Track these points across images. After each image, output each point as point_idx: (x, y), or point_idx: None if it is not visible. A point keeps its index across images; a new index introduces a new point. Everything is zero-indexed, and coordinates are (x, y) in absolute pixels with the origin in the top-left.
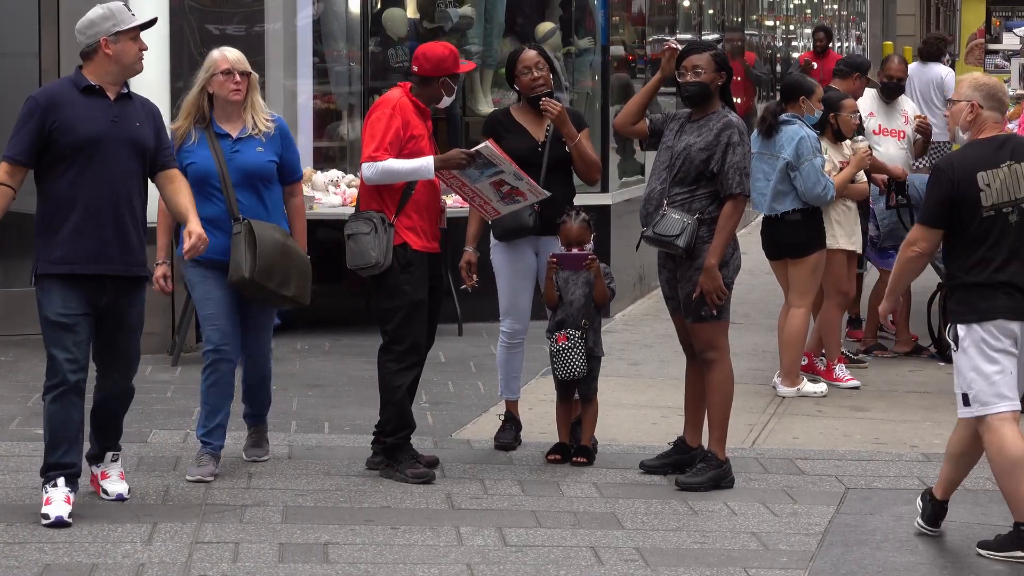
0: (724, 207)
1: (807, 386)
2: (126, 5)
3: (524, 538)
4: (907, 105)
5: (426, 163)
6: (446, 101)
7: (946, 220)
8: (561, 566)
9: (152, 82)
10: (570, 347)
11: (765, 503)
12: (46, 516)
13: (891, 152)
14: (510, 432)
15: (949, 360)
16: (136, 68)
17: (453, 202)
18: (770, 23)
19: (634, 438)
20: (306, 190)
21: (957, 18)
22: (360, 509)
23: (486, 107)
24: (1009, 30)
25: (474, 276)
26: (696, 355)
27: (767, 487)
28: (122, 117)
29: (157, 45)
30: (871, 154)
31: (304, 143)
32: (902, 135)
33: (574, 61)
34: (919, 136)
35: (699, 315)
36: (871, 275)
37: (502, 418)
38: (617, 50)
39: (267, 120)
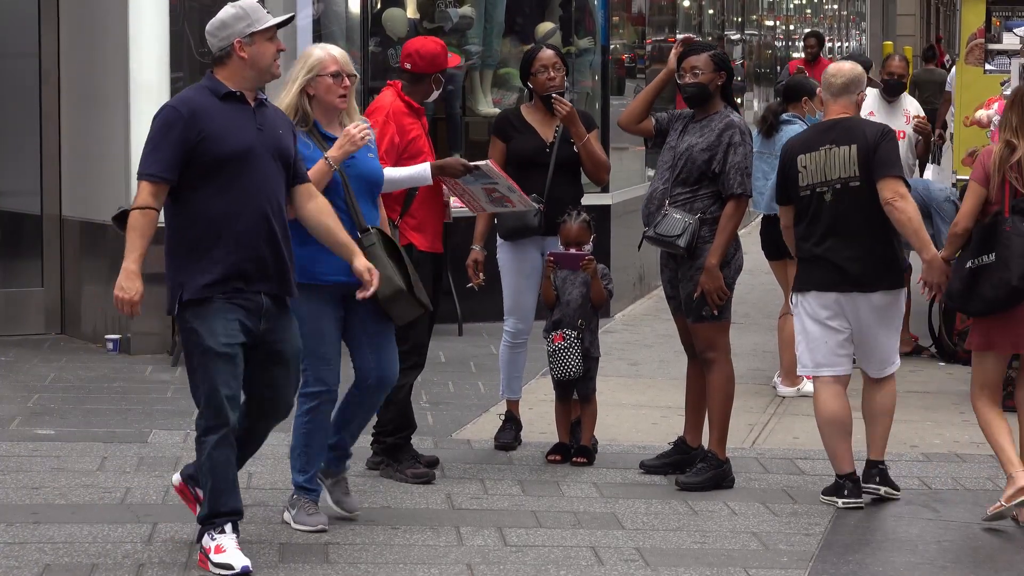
0: (726, 207)
1: (807, 386)
2: (261, 1)
3: (524, 538)
4: (909, 104)
5: (423, 170)
6: (435, 95)
7: (784, 197)
8: (561, 566)
9: (151, 82)
10: (566, 347)
11: (765, 503)
12: (227, 567)
13: None
14: (510, 432)
15: (950, 360)
16: (273, 72)
17: (455, 201)
18: (770, 23)
19: (634, 438)
20: None
21: (957, 18)
22: (360, 509)
23: (486, 107)
24: (1009, 30)
25: (481, 275)
26: (697, 355)
27: (767, 487)
28: (265, 125)
29: (156, 45)
30: None
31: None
32: (903, 135)
33: (574, 61)
34: (919, 137)
35: (700, 315)
36: None
37: (502, 418)
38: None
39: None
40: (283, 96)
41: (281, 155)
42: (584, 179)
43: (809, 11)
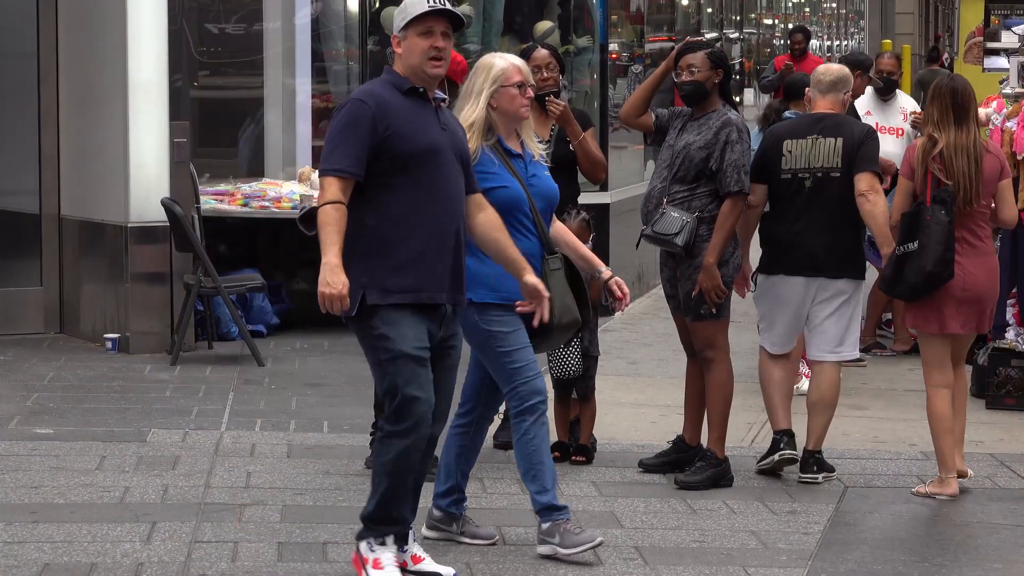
0: (723, 205)
1: (806, 384)
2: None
3: (523, 537)
4: (905, 102)
5: None
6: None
7: (758, 176)
8: (560, 565)
9: (150, 81)
10: (565, 346)
11: (764, 502)
12: None
13: (888, 149)
14: (509, 431)
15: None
16: (428, 71)
17: None
18: (768, 21)
19: (633, 437)
20: (305, 189)
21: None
22: (359, 508)
23: None
24: (1008, 28)
25: None
26: (696, 354)
27: (766, 486)
28: (448, 125)
29: (156, 44)
30: None
31: (302, 142)
32: (900, 132)
33: (572, 60)
34: (918, 132)
35: (698, 313)
36: (870, 274)
37: (501, 418)
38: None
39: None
40: (468, 109)
41: (462, 157)
42: (581, 178)
43: (808, 9)
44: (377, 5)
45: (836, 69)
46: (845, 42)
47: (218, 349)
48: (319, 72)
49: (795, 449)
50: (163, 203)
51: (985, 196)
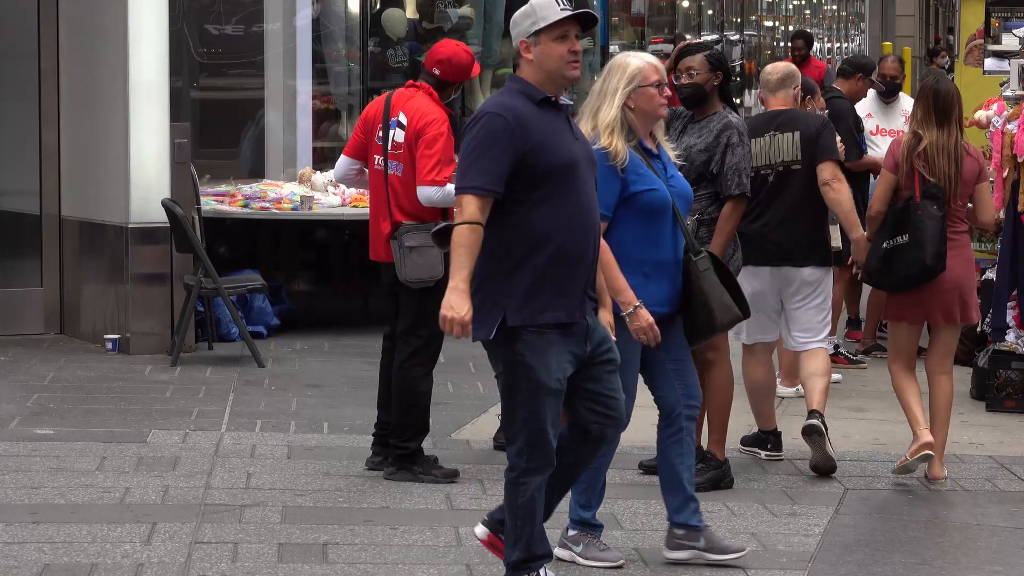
0: (724, 208)
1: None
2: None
3: None
4: (907, 104)
5: None
6: (450, 99)
7: None
8: (560, 566)
9: (151, 82)
10: None
11: (764, 504)
12: None
13: None
14: None
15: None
16: (567, 75)
17: None
18: (769, 23)
19: (633, 438)
20: (305, 190)
21: (956, 19)
22: (359, 509)
23: None
24: (1008, 31)
25: None
26: (696, 356)
27: (766, 488)
28: (579, 135)
29: (157, 45)
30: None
31: (303, 143)
32: (901, 134)
33: None
34: None
35: None
36: None
37: (501, 418)
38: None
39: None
40: (604, 110)
41: (593, 167)
42: None
43: (808, 12)
44: (378, 6)
45: (782, 67)
46: (845, 44)
47: (218, 350)
48: (320, 73)
49: (781, 450)
50: (164, 204)
51: (963, 197)
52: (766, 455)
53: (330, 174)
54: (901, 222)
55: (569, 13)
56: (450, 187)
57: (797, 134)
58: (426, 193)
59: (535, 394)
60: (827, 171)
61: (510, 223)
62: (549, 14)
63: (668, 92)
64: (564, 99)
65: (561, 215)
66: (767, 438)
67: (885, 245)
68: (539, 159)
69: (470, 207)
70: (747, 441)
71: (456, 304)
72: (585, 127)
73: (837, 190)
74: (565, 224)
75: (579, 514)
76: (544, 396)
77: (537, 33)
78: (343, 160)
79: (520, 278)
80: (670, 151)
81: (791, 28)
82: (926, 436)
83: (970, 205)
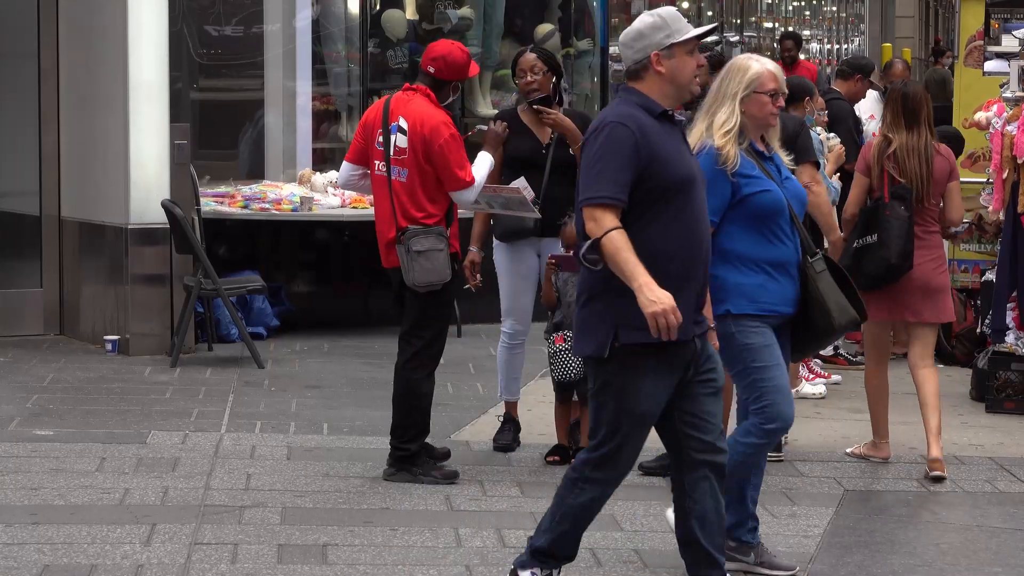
0: None
1: (805, 387)
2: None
3: (523, 539)
4: None
5: (486, 157)
6: (450, 100)
7: None
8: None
9: (150, 83)
10: (567, 349)
11: (764, 505)
12: None
13: None
14: (509, 433)
15: (948, 362)
16: (693, 89)
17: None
18: (769, 25)
19: None
20: (305, 191)
21: (956, 20)
22: (359, 510)
23: (485, 109)
24: (1008, 32)
25: (478, 276)
26: None
27: (766, 489)
28: (692, 151)
29: (156, 46)
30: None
31: (302, 144)
32: None
33: (573, 63)
34: None
35: None
36: None
37: (501, 419)
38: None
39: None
40: (721, 112)
41: (704, 183)
42: None
43: (808, 13)
44: (378, 7)
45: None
46: (845, 46)
47: (218, 351)
48: (319, 74)
49: (780, 451)
50: (163, 205)
51: (935, 196)
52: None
53: (330, 175)
54: (870, 222)
55: (706, 27)
56: (479, 179)
57: None
58: (464, 196)
59: (625, 415)
60: (806, 174)
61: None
62: (683, 27)
63: (781, 102)
64: (679, 115)
65: (676, 232)
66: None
67: (855, 244)
68: (659, 173)
69: (607, 216)
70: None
71: (657, 296)
72: (699, 126)
73: (816, 193)
74: (680, 241)
75: (734, 533)
76: (635, 419)
77: (671, 46)
78: (345, 166)
79: (632, 295)
80: (783, 156)
81: (790, 29)
82: (885, 451)
83: (941, 205)
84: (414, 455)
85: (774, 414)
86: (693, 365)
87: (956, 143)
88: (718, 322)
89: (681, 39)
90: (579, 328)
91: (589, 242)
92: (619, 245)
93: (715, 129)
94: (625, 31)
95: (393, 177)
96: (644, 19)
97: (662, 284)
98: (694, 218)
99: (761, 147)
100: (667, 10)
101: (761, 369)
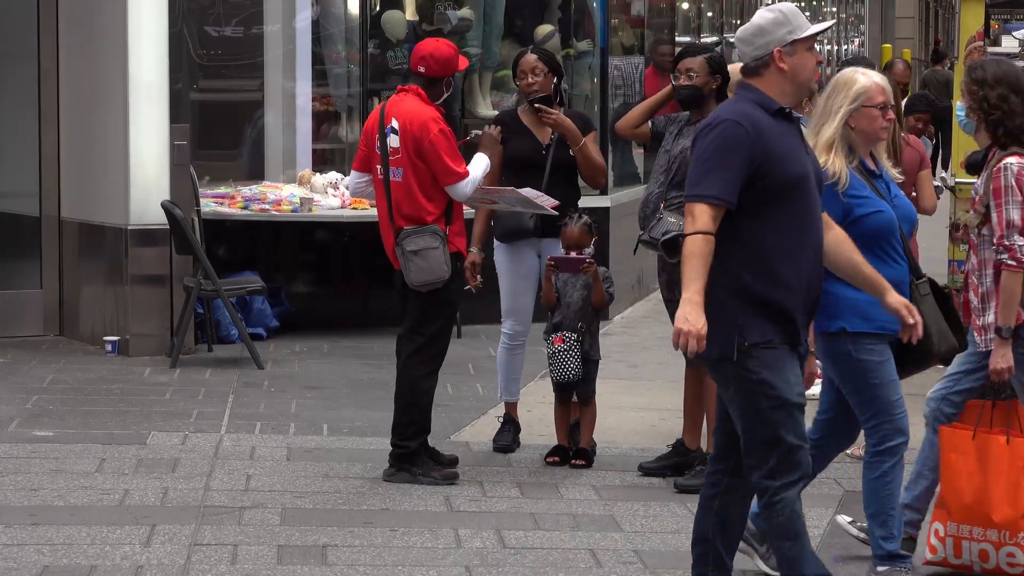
0: None
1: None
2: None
3: (523, 540)
4: None
5: (482, 157)
6: (444, 97)
7: None
8: (560, 568)
9: (150, 83)
10: (566, 350)
11: None
12: None
13: None
14: (509, 434)
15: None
16: (811, 86)
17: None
18: None
19: (633, 440)
20: (305, 192)
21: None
22: (359, 511)
23: (485, 109)
24: (1008, 33)
25: (478, 276)
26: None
27: None
28: (809, 148)
29: (156, 46)
30: None
31: (302, 145)
32: None
33: (573, 64)
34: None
35: None
36: None
37: (501, 420)
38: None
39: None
40: (826, 128)
41: (821, 184)
42: (581, 181)
43: (808, 14)
44: (378, 8)
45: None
46: (845, 47)
47: (218, 352)
48: (319, 75)
49: None
50: (163, 206)
51: (907, 186)
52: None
53: (330, 176)
54: None
55: (825, 24)
56: (474, 173)
57: None
58: (460, 190)
59: (780, 410)
60: None
61: (741, 238)
62: (804, 23)
63: (891, 116)
64: (796, 113)
65: (793, 230)
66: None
67: None
68: (773, 172)
69: (703, 216)
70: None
71: (692, 317)
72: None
73: None
74: (798, 240)
75: (884, 548)
76: (789, 411)
77: (793, 43)
78: (352, 175)
79: (754, 296)
80: (891, 171)
81: None
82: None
83: (913, 194)
84: (413, 453)
85: (891, 431)
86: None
87: (930, 105)
88: (832, 340)
89: (803, 35)
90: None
91: (673, 233)
92: (696, 251)
93: (819, 145)
94: (743, 27)
95: (391, 178)
96: (764, 15)
97: (780, 284)
98: (809, 216)
99: (871, 164)
100: (786, 5)
101: (878, 387)
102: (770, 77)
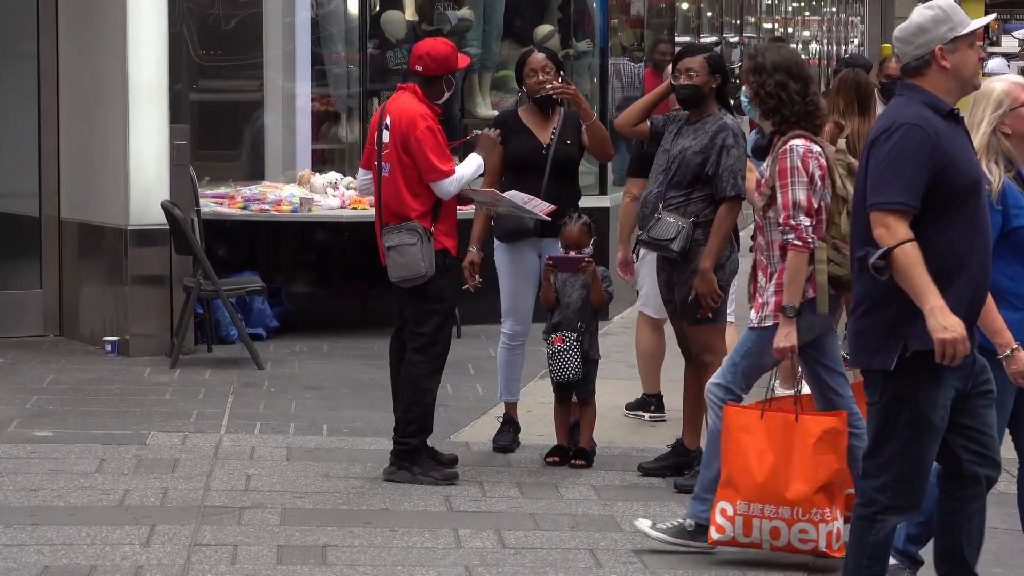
0: (719, 210)
1: (805, 388)
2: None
3: (522, 540)
4: None
5: (475, 157)
6: (445, 97)
7: (638, 171)
8: (559, 568)
9: (150, 84)
10: (566, 350)
11: None
12: None
13: None
14: (508, 434)
15: None
16: (976, 84)
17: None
18: (768, 26)
19: (632, 440)
20: (305, 192)
21: None
22: (359, 511)
23: (485, 109)
24: (1007, 32)
25: (477, 276)
26: (693, 358)
27: None
28: (975, 149)
29: (156, 46)
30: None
31: (302, 145)
32: None
33: (573, 64)
34: None
35: (695, 318)
36: None
37: (500, 420)
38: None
39: None
40: (974, 140)
41: (986, 189)
42: (581, 181)
43: (807, 13)
44: (377, 8)
45: None
46: (844, 47)
47: (217, 352)
48: (319, 75)
49: (663, 411)
50: (163, 206)
51: None
52: (649, 417)
53: (329, 176)
54: None
55: (987, 18)
56: (461, 172)
57: None
58: (443, 187)
59: (917, 429)
60: None
61: (920, 245)
62: (964, 19)
63: None
64: (957, 111)
65: (966, 237)
66: (650, 400)
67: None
68: (952, 177)
69: (899, 226)
70: (631, 406)
71: (949, 323)
72: None
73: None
74: (969, 247)
75: (906, 546)
76: (926, 433)
77: (955, 40)
78: (360, 173)
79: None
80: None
81: (790, 30)
82: None
83: None
84: (413, 450)
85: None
86: (972, 377)
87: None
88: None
89: (965, 31)
90: (859, 339)
91: (881, 251)
92: (913, 260)
93: None
94: (901, 26)
95: (382, 174)
96: (923, 12)
97: (948, 296)
98: (980, 223)
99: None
100: (945, 2)
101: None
102: (932, 76)
